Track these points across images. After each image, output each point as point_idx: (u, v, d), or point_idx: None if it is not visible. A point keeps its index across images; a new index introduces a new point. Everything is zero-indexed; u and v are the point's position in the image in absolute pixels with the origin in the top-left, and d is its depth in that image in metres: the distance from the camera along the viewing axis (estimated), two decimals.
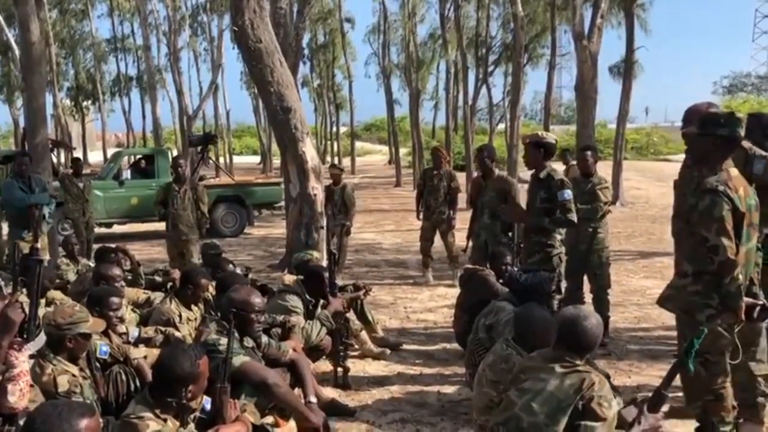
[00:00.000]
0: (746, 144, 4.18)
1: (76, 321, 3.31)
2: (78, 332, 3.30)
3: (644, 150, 38.77)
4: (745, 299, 3.16)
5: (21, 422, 2.37)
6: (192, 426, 2.89)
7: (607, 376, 3.50)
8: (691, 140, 3.31)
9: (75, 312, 3.38)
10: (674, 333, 4.73)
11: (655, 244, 11.49)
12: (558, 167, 6.07)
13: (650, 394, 2.96)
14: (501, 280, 5.05)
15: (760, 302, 3.24)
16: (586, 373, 2.82)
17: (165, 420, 2.78)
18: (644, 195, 19.88)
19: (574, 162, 9.02)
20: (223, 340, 3.44)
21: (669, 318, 6.20)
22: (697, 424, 3.43)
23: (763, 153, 4.12)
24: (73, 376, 3.25)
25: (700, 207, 3.10)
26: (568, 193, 5.11)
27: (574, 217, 5.13)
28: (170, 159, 12.92)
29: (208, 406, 3.08)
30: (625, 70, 18.52)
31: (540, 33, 25.98)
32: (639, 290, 8.02)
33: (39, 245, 6.75)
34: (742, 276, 3.11)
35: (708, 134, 3.18)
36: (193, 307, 4.77)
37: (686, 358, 3.02)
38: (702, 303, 3.18)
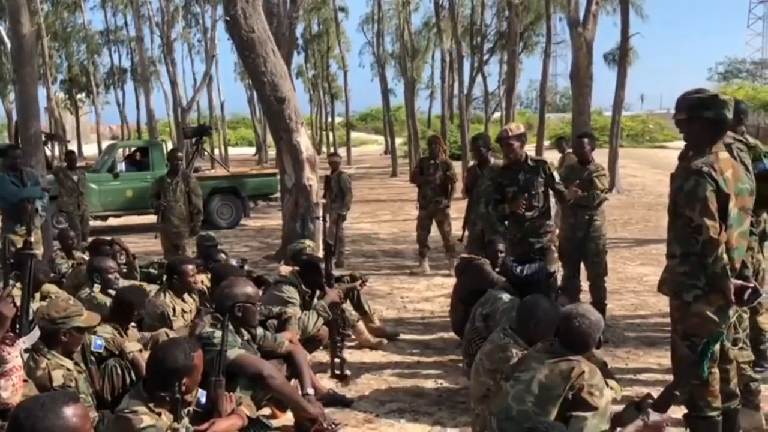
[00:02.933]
0: (728, 139, 4.16)
1: (70, 315, 3.30)
2: (72, 326, 3.29)
3: (640, 137, 38.83)
4: (735, 281, 3.18)
5: None
6: (186, 420, 2.87)
7: (605, 364, 3.49)
8: (682, 126, 3.34)
9: (69, 306, 3.36)
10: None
11: (652, 231, 11.49)
12: (554, 155, 6.09)
13: (645, 390, 2.95)
14: (496, 269, 5.04)
15: (751, 284, 3.25)
16: (576, 362, 2.81)
17: (159, 414, 2.76)
18: (640, 182, 19.88)
19: (570, 150, 9.01)
20: (218, 333, 3.43)
21: (665, 305, 6.21)
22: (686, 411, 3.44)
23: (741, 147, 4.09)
24: (68, 370, 3.24)
25: (686, 188, 3.16)
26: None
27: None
28: (165, 151, 12.89)
29: (204, 400, 3.07)
30: (621, 57, 18.43)
31: (535, 20, 25.83)
32: (635, 277, 8.02)
33: (32, 239, 6.73)
34: (728, 257, 3.12)
35: (695, 118, 3.24)
36: (187, 298, 4.75)
37: (700, 359, 3.00)
38: (689, 284, 3.22)
